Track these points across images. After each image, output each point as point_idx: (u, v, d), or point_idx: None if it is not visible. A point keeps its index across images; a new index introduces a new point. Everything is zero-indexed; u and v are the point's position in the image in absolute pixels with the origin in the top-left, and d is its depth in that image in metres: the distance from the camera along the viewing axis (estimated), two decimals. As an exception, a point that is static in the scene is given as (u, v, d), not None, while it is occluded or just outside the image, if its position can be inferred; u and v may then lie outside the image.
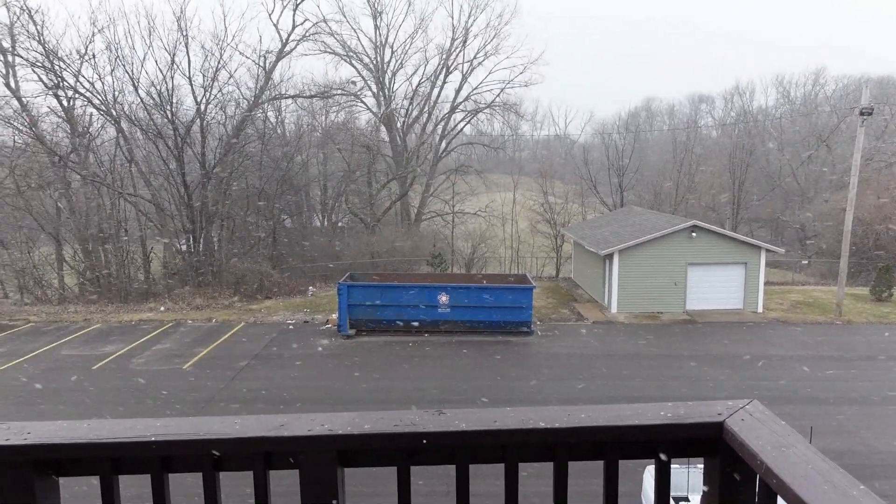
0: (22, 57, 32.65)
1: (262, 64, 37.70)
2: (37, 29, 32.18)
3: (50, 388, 18.93)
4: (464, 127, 52.45)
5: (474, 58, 48.58)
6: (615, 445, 1.54)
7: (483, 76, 51.63)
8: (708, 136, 65.91)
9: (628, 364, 21.42)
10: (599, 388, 18.71)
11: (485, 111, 51.03)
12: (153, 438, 1.47)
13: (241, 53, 40.05)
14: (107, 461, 1.50)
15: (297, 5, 39.09)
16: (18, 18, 32.03)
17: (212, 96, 35.62)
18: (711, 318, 27.26)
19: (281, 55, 38.97)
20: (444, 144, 50.52)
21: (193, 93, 35.00)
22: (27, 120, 33.77)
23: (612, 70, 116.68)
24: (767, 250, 28.95)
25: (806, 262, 39.39)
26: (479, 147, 51.69)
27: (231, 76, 36.85)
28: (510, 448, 1.52)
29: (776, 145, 56.03)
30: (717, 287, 28.11)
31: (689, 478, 8.10)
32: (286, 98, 41.54)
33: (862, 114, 26.43)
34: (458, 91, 49.60)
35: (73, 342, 24.10)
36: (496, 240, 43.14)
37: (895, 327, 26.26)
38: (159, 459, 1.50)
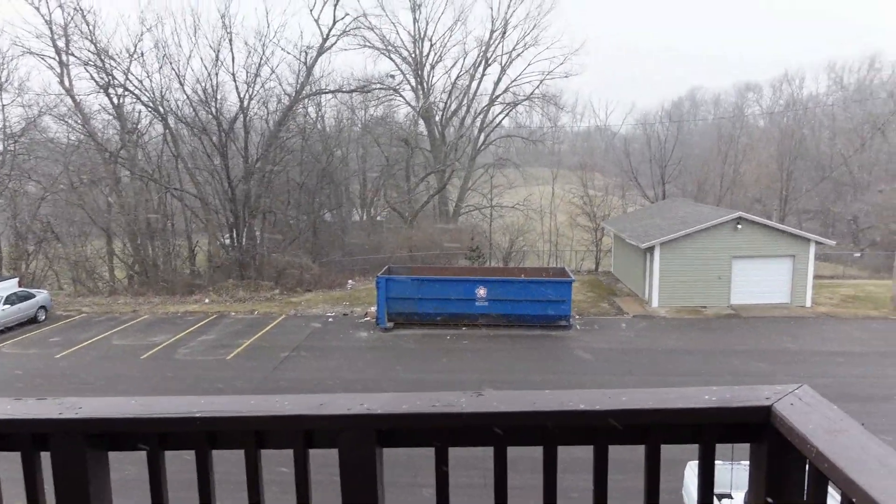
0: (75, 56, 33.88)
1: (302, 59, 38.25)
2: (89, 28, 33.37)
3: (101, 375, 19.67)
4: (502, 120, 52.18)
5: (513, 49, 48.23)
6: (658, 429, 1.50)
7: (522, 68, 51.39)
8: (755, 126, 63.96)
9: (670, 359, 21.01)
10: (640, 383, 18.39)
11: (524, 103, 50.65)
12: (198, 415, 1.50)
13: (282, 49, 40.81)
14: (154, 436, 1.54)
15: (337, 0, 39.44)
16: (72, 18, 33.22)
17: (254, 92, 36.34)
18: (757, 312, 26.50)
19: (321, 50, 39.40)
20: (482, 137, 50.33)
21: (237, 89, 35.76)
22: (80, 117, 35.06)
23: (655, 60, 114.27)
24: (817, 242, 27.97)
25: (858, 254, 37.91)
26: (518, 140, 51.31)
27: (273, 72, 37.51)
28: (549, 430, 1.49)
29: (828, 134, 54.02)
30: (763, 281, 27.30)
31: (732, 474, 7.90)
32: (326, 93, 42.00)
33: (920, 100, 25.24)
34: (496, 83, 49.33)
35: (122, 332, 24.97)
36: (535, 233, 42.81)
37: (955, 323, 25.07)
38: (204, 435, 1.53)
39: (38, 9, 32.80)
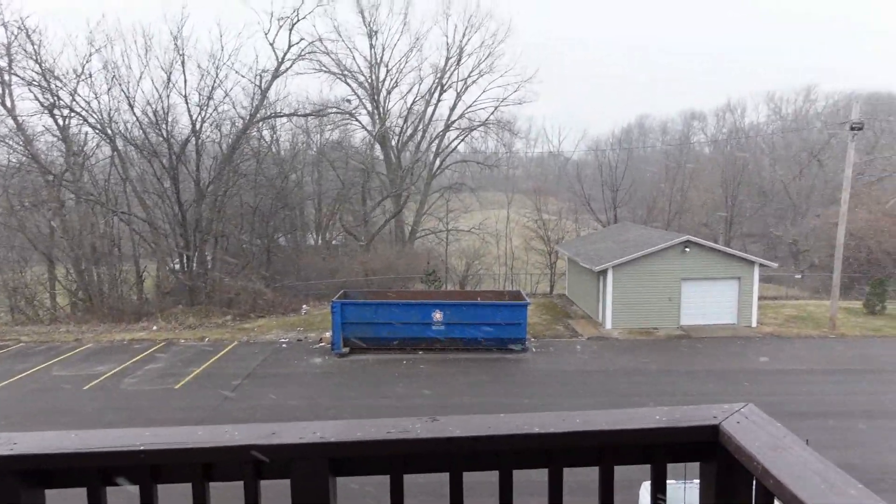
0: (18, 76, 32.79)
1: (257, 83, 37.99)
2: (34, 48, 32.39)
3: (40, 408, 18.72)
4: (458, 145, 52.79)
5: (469, 76, 49.01)
6: (611, 450, 1.51)
7: (477, 94, 52.00)
8: (700, 153, 66.44)
9: (623, 380, 21.35)
10: (594, 405, 18.59)
11: (479, 129, 51.37)
12: (142, 447, 1.44)
13: (236, 72, 40.35)
14: (95, 472, 1.47)
15: (293, 25, 39.46)
16: (16, 37, 32.22)
17: (207, 115, 35.83)
18: (706, 333, 27.24)
19: (276, 74, 39.23)
20: (438, 162, 50.74)
21: (189, 111, 35.19)
22: (22, 139, 33.80)
23: (606, 89, 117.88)
24: (761, 265, 29.04)
25: (799, 276, 39.51)
26: (474, 165, 51.91)
27: (227, 95, 37.06)
28: (504, 454, 1.48)
29: (768, 161, 56.52)
30: (711, 302, 28.14)
31: (685, 493, 8.00)
32: (281, 116, 41.73)
33: (852, 129, 26.69)
34: (452, 109, 49.97)
35: (64, 362, 23.89)
36: (490, 257, 43.19)
37: (889, 340, 26.28)
38: (148, 469, 1.47)
39: (-22, 27, 31.72)
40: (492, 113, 49.89)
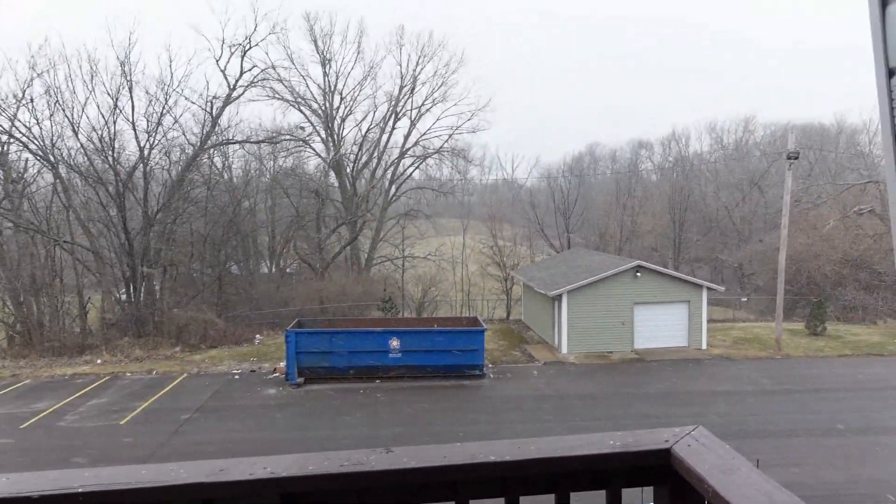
0: (-48, 101, 31.44)
1: (208, 109, 37.49)
2: (-30, 73, 31.15)
3: (-29, 450, 17.62)
4: (413, 172, 53.01)
5: (422, 105, 49.51)
6: (566, 477, 1.51)
7: (431, 122, 52.64)
8: (648, 180, 68.57)
9: (580, 404, 21.53)
10: (552, 430, 18.69)
11: (433, 156, 51.81)
12: (80, 490, 1.36)
13: (186, 99, 39.55)
14: None
15: (244, 52, 39.26)
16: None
17: (156, 141, 35.08)
18: (659, 356, 27.80)
19: (228, 101, 38.83)
20: (393, 189, 50.82)
21: (137, 138, 34.40)
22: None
23: (557, 117, 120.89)
24: (708, 288, 29.94)
25: (745, 299, 40.89)
26: (429, 192, 52.17)
27: (176, 121, 36.42)
28: (460, 484, 1.47)
29: (712, 188, 58.70)
30: (662, 325, 28.78)
31: None
32: (233, 143, 41.24)
33: (789, 158, 28.02)
34: (406, 137, 50.29)
35: (0, 399, 22.63)
36: (447, 283, 43.25)
37: (830, 360, 27.34)
38: None
39: None
40: (446, 141, 50.48)
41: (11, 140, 32.92)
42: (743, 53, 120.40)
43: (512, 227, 51.13)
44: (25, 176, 34.41)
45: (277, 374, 25.21)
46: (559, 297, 28.66)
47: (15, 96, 32.37)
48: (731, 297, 39.91)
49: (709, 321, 30.28)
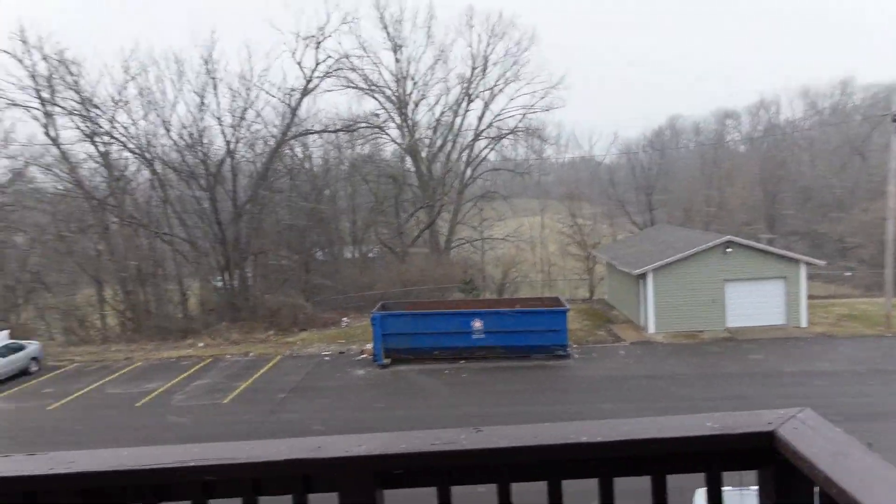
0: (60, 106, 33.97)
1: (287, 101, 38.63)
2: (73, 79, 33.59)
3: (96, 426, 19.23)
4: (488, 153, 52.69)
5: (495, 85, 49.00)
6: (662, 459, 1.48)
7: (505, 103, 51.78)
8: (736, 151, 65.13)
9: (670, 385, 20.94)
10: (641, 411, 18.26)
11: (508, 137, 51.28)
12: (192, 464, 1.46)
13: (266, 93, 40.92)
14: (149, 489, 1.50)
15: (318, 43, 40.04)
16: (56, 69, 33.44)
17: (240, 135, 36.58)
18: (754, 334, 26.57)
19: (305, 92, 39.85)
20: (469, 171, 50.78)
21: (223, 132, 36.02)
22: (66, 166, 34.99)
23: (634, 91, 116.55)
24: (807, 263, 28.26)
25: (849, 273, 38.33)
26: (505, 172, 51.85)
27: (258, 115, 37.78)
28: (552, 464, 1.47)
29: (808, 157, 55.14)
30: (757, 303, 27.45)
31: (742, 500, 7.78)
32: (312, 133, 42.36)
33: (894, 120, 25.89)
34: (480, 118, 50.00)
35: (116, 380, 24.51)
36: (527, 264, 42.96)
37: (948, 337, 25.26)
38: (201, 485, 1.49)
39: (21, 61, 33.03)
40: (520, 120, 49.78)
41: (112, 140, 35.24)
42: (835, 11, 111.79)
43: (591, 205, 50.06)
44: (126, 173, 36.84)
45: (365, 356, 25.96)
46: (644, 276, 27.88)
47: (113, 99, 34.65)
48: (832, 272, 37.52)
49: (809, 298, 28.61)
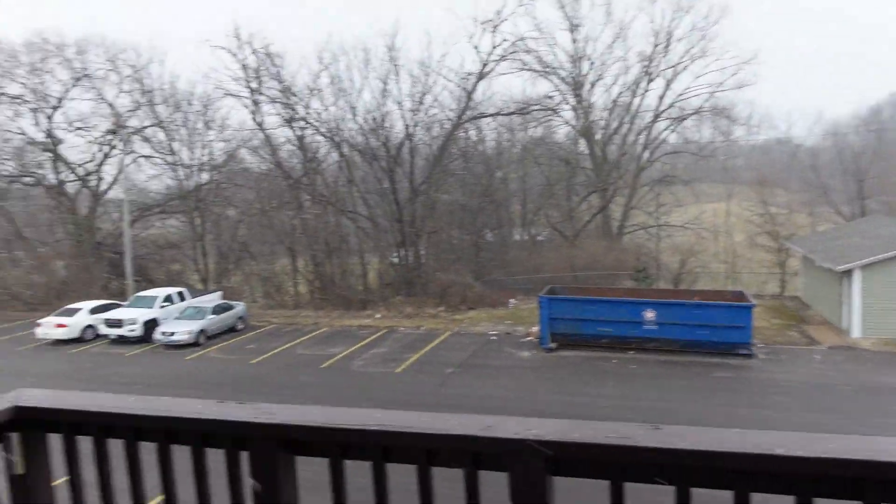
0: (265, 95, 38.00)
1: (463, 86, 39.51)
2: (276, 70, 37.32)
3: (288, 382, 21.52)
4: (668, 135, 49.58)
5: (678, 63, 45.77)
6: (874, 485, 1.28)
7: (689, 81, 48.21)
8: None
9: (880, 400, 18.36)
10: (844, 427, 16.20)
11: (691, 117, 47.76)
12: (374, 428, 1.55)
13: (444, 77, 42.26)
14: (335, 446, 1.61)
15: (495, 27, 40.30)
16: (262, 62, 37.37)
17: (419, 119, 38.25)
18: None
19: (481, 76, 40.41)
20: (646, 154, 48.25)
21: (403, 117, 37.94)
22: (269, 149, 39.18)
23: (842, 67, 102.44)
24: None
25: None
26: (686, 155, 48.48)
27: (436, 99, 39.18)
28: (739, 475, 1.35)
29: None
30: None
31: None
32: (486, 117, 42.94)
33: None
34: (661, 98, 47.12)
35: (305, 343, 27.17)
36: (707, 254, 40.02)
37: None
38: (380, 449, 1.57)
39: (235, 55, 37.34)
40: (706, 100, 46.07)
41: (307, 125, 38.71)
42: None
43: (787, 192, 45.15)
44: (318, 155, 40.31)
45: (531, 338, 26.05)
46: (849, 273, 24.63)
47: (308, 87, 38.02)
48: None
49: None
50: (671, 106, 47.10)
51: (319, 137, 39.56)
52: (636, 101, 47.56)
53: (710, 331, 22.63)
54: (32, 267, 39.58)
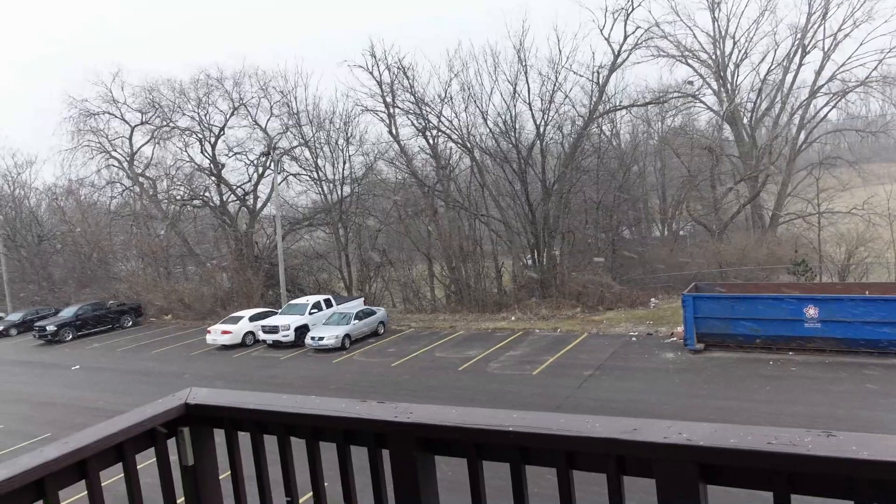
0: (399, 107, 39.55)
1: (595, 80, 38.46)
2: (409, 83, 38.71)
3: (427, 383, 22.16)
4: (828, 112, 44.76)
5: (839, 30, 41.24)
6: None
7: (852, 49, 43.44)
8: None
9: None
10: None
11: (857, 90, 42.77)
12: (511, 429, 1.52)
13: (574, 73, 41.53)
14: (472, 445, 1.60)
15: (627, 15, 38.84)
16: (396, 76, 38.94)
17: (549, 118, 37.81)
18: None
19: (614, 67, 39.12)
20: (802, 135, 43.95)
21: (533, 117, 37.69)
22: (404, 159, 40.72)
23: None
24: None
25: None
26: (851, 133, 43.54)
27: (566, 96, 38.52)
28: None
29: None
30: None
31: None
32: (620, 109, 41.49)
33: None
34: (818, 72, 42.71)
35: (443, 345, 27.86)
36: (881, 243, 35.49)
37: None
38: (517, 450, 1.55)
39: (371, 72, 39.23)
40: (874, 69, 41.08)
41: (439, 133, 39.74)
42: None
43: (982, 167, 38.95)
44: (450, 162, 41.23)
45: (675, 339, 24.70)
46: None
47: (439, 96, 39.04)
48: None
49: None
50: (831, 79, 42.61)
51: (451, 145, 40.51)
52: (788, 77, 43.68)
53: (885, 328, 20.18)
54: (201, 280, 44.37)
